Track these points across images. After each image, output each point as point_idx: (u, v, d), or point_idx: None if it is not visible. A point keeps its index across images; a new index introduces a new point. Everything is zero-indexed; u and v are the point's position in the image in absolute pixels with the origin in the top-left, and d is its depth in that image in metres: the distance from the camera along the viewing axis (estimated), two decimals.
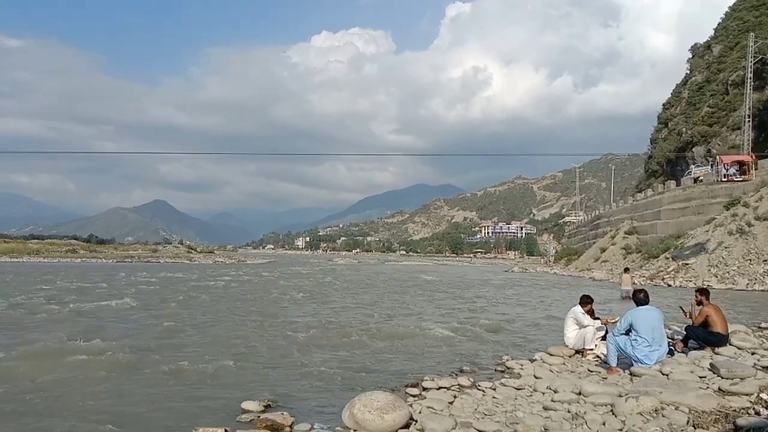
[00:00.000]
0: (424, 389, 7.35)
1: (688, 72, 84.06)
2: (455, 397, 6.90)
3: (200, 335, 11.93)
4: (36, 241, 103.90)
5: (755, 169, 36.99)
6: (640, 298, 8.29)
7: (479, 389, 7.36)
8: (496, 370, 8.88)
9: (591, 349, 9.34)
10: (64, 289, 24.76)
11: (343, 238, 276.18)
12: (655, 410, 5.73)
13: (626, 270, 25.50)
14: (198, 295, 22.91)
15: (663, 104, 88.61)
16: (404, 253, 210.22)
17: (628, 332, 8.10)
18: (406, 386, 7.54)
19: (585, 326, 9.32)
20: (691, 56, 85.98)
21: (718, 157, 37.58)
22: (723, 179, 38.96)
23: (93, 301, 18.61)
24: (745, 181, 37.48)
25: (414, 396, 7.00)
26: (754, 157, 39.24)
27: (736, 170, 38.15)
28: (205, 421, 5.88)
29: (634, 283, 21.27)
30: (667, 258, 38.10)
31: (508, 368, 8.86)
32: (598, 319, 9.60)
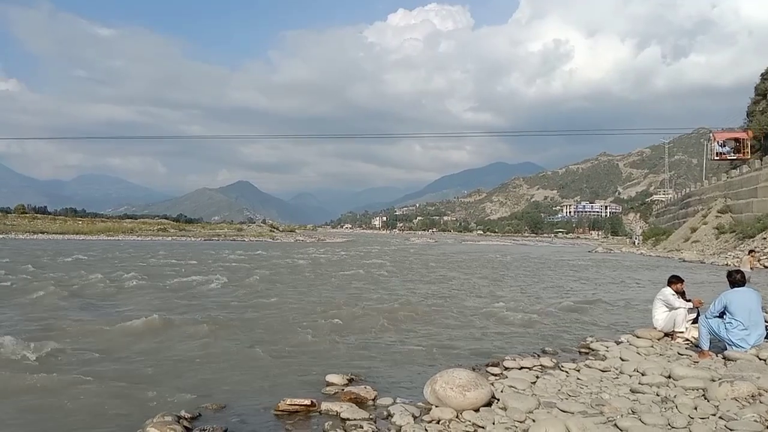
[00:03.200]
0: (506, 369, 7.32)
1: None
2: (537, 377, 6.84)
3: (285, 310, 12.33)
4: (130, 220, 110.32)
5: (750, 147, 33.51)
6: (736, 278, 7.87)
7: (562, 370, 7.25)
8: (579, 352, 8.71)
9: (681, 332, 8.97)
10: (158, 265, 26.19)
11: (420, 218, 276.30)
12: (752, 396, 5.46)
13: (751, 252, 23.38)
14: (282, 271, 23.66)
15: (761, 74, 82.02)
16: (481, 232, 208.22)
17: (722, 315, 7.72)
18: (487, 365, 7.54)
19: (675, 308, 8.95)
20: None
21: (711, 134, 34.19)
22: (716, 158, 35.64)
23: (185, 276, 19.61)
24: (740, 159, 34.08)
25: (495, 375, 6.99)
26: (750, 134, 35.53)
27: (731, 148, 34.67)
28: (292, 392, 6.10)
29: (752, 267, 19.46)
30: (765, 238, 35.83)
31: (593, 350, 8.66)
32: (689, 300, 9.20)
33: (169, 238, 75.67)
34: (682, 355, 8.02)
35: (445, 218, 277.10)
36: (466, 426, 5.18)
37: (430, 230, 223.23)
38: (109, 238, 69.14)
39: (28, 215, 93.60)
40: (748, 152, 33.75)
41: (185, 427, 5.04)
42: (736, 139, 34.97)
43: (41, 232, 70.63)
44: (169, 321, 10.39)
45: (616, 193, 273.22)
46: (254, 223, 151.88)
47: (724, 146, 34.69)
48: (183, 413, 5.34)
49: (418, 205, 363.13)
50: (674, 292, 9.10)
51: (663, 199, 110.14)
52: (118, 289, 15.98)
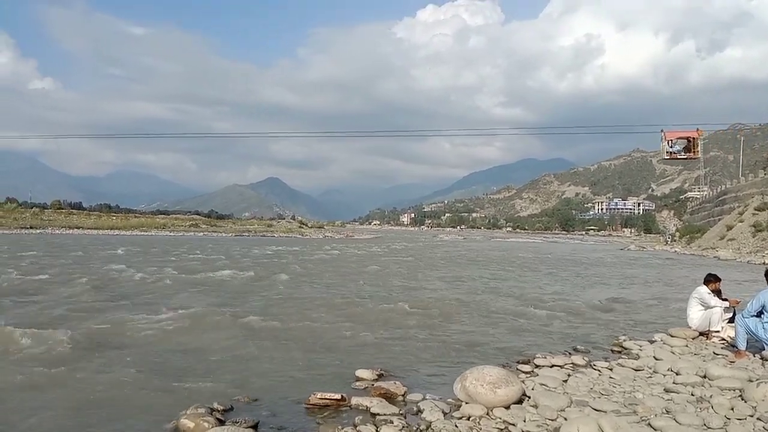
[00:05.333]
0: (537, 366, 7.27)
1: None
2: (569, 375, 6.78)
3: (315, 305, 12.41)
4: (162, 216, 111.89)
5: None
6: None
7: (595, 369, 7.17)
8: (612, 351, 8.61)
9: (717, 332, 8.81)
10: (190, 260, 26.59)
11: (448, 215, 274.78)
12: None
13: None
14: (312, 267, 23.83)
15: None
16: (511, 229, 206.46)
17: (759, 314, 7.55)
18: (518, 363, 7.50)
19: (711, 307, 8.79)
20: None
21: (662, 132, 33.42)
22: (666, 156, 35.06)
23: (216, 271, 19.89)
24: (690, 158, 33.57)
25: (526, 373, 6.95)
26: (701, 132, 34.95)
27: (682, 147, 34.03)
28: (322, 386, 6.14)
29: None
30: None
31: (625, 349, 8.56)
32: (725, 300, 9.01)
33: (201, 233, 76.74)
34: (717, 354, 7.88)
35: (474, 215, 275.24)
36: (496, 423, 5.16)
37: (459, 227, 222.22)
38: (142, 233, 70.38)
39: (64, 211, 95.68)
40: (698, 151, 33.56)
41: (218, 419, 5.11)
42: (687, 138, 34.67)
43: (77, 228, 72.21)
44: (201, 315, 10.55)
45: (650, 190, 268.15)
46: (284, 219, 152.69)
47: (674, 146, 34.28)
48: (216, 405, 5.42)
49: (446, 201, 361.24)
50: (710, 291, 8.93)
51: (698, 197, 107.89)
52: (152, 284, 16.27)
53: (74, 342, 8.03)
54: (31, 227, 67.28)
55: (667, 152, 35.35)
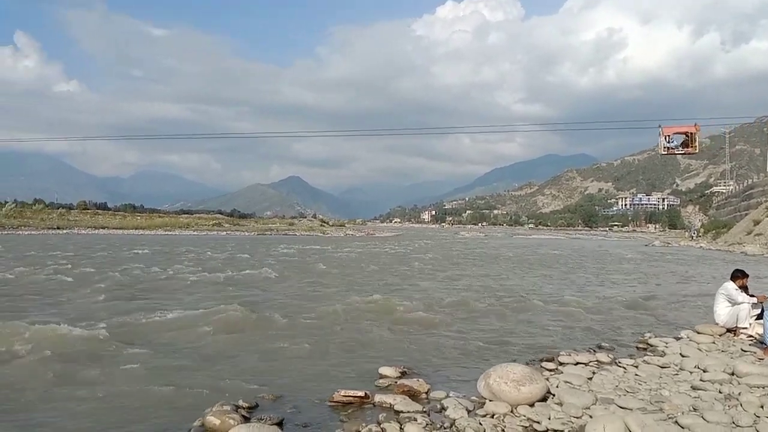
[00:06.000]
0: (561, 364, 7.23)
1: None
2: (594, 373, 6.73)
3: (338, 303, 12.44)
4: (186, 215, 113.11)
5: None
6: None
7: (620, 366, 7.11)
8: (637, 348, 8.52)
9: (744, 328, 8.66)
10: (213, 259, 26.84)
11: (469, 212, 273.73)
12: None
13: None
14: (335, 265, 23.89)
15: None
16: (533, 226, 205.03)
17: None
18: (542, 360, 7.45)
19: (739, 303, 8.65)
20: None
21: (660, 127, 32.80)
22: (664, 152, 34.56)
23: (240, 270, 20.05)
24: (688, 153, 32.95)
25: (550, 370, 6.91)
26: (698, 127, 34.42)
27: (679, 142, 33.50)
28: (345, 384, 6.17)
29: None
30: None
31: (651, 346, 8.46)
32: (753, 296, 8.86)
33: (224, 232, 77.47)
34: (745, 351, 7.76)
35: (495, 212, 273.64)
36: (520, 420, 5.15)
37: (480, 224, 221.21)
38: (166, 233, 71.25)
39: (89, 211, 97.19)
40: (696, 146, 33.24)
41: (243, 416, 5.17)
42: (685, 133, 34.39)
43: (102, 228, 73.35)
44: (224, 313, 10.61)
45: (674, 185, 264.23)
46: (305, 217, 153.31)
47: (671, 141, 33.95)
48: (241, 402, 5.48)
49: (467, 198, 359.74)
50: (737, 287, 8.80)
51: (724, 191, 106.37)
52: (175, 282, 16.46)
53: (99, 339, 8.16)
54: (57, 228, 68.54)
55: (664, 147, 35.23)
